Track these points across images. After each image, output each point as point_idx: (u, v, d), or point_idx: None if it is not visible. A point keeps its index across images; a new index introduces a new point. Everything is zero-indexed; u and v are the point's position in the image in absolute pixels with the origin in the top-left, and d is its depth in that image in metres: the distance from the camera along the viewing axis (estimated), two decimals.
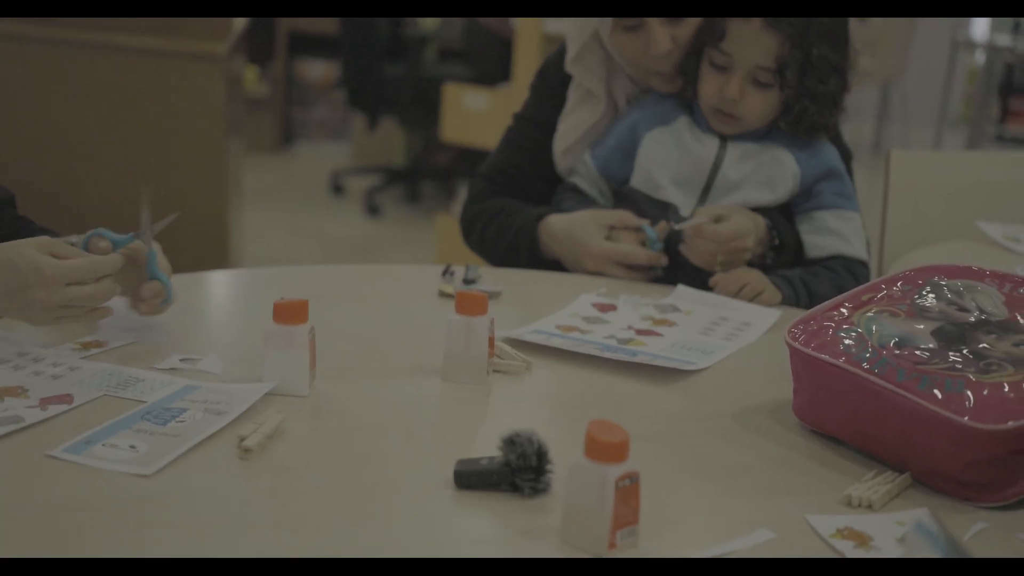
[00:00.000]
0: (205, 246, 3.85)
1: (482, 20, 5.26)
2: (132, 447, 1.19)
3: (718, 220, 1.88)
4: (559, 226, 1.98)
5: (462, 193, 4.19)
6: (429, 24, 6.06)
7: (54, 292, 1.35)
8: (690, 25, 1.93)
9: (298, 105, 7.07)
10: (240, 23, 4.18)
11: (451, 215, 4.00)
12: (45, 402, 1.28)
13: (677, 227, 1.91)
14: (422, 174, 6.15)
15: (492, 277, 1.87)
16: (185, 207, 3.73)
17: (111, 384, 1.34)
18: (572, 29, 2.05)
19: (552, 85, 2.12)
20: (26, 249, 1.36)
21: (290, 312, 1.34)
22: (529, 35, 3.76)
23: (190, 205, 3.78)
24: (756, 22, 1.87)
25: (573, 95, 2.08)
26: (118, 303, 1.50)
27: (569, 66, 2.06)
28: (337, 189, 6.11)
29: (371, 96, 5.74)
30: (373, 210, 5.75)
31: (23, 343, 1.43)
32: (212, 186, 3.87)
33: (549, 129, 2.11)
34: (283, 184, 6.30)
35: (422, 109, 5.79)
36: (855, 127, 7.93)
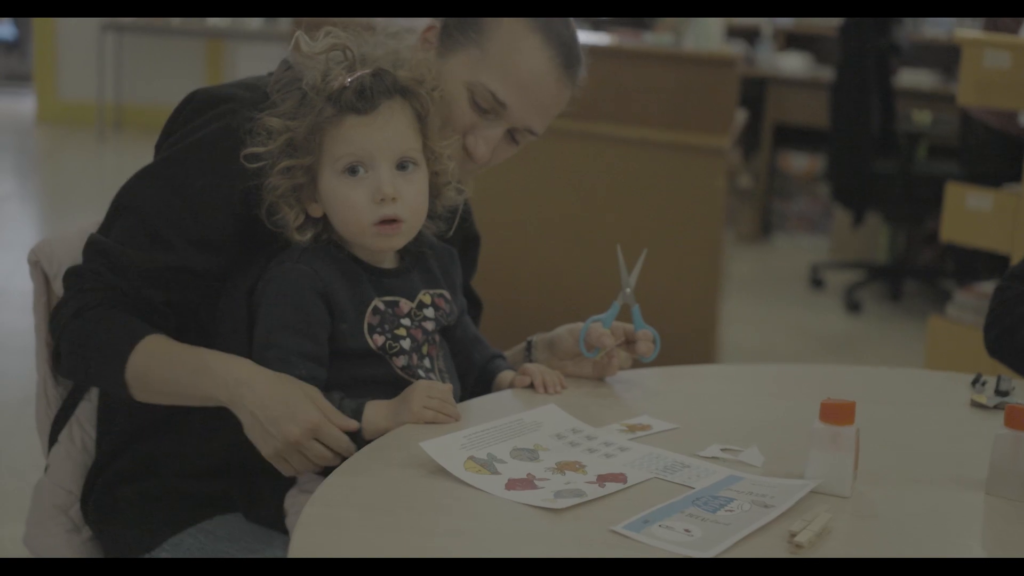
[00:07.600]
0: (691, 333, 3.95)
1: (983, 115, 5.08)
2: (687, 531, 1.24)
3: None
4: None
5: (956, 296, 4.05)
6: (923, 120, 5.94)
7: (303, 438, 1.43)
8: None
9: (779, 196, 7.11)
10: (741, 117, 4.28)
11: (946, 319, 3.87)
12: (602, 479, 1.36)
13: None
14: (905, 272, 6.01)
15: None
16: (676, 295, 3.85)
17: (659, 467, 1.41)
18: None
19: None
20: (310, 391, 1.46)
21: (838, 412, 1.36)
22: None
23: (681, 293, 3.89)
24: None
25: None
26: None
27: None
28: (816, 283, 6.08)
29: (858, 191, 5.68)
30: (853, 306, 5.67)
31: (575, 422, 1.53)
32: (704, 276, 3.97)
33: None
34: (761, 274, 6.34)
35: (910, 206, 5.67)
36: None
